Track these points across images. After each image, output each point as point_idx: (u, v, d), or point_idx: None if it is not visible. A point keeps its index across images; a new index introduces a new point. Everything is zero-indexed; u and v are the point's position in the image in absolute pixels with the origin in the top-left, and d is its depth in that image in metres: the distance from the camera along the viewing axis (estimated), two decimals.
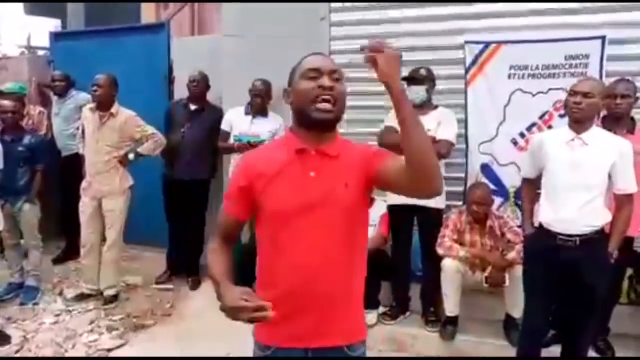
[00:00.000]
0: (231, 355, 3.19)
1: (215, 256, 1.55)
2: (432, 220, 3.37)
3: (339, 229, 1.42)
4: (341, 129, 4.07)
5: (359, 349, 1.51)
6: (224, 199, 1.58)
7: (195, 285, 4.23)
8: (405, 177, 1.33)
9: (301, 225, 1.41)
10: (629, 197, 2.49)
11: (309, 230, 1.41)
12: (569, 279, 2.48)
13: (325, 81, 1.39)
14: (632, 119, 3.00)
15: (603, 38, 3.21)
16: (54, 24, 8.49)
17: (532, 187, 2.75)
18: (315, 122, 1.40)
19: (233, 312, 1.32)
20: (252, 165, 1.49)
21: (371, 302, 3.37)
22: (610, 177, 2.44)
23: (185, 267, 4.34)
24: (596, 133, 2.47)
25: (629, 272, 3.24)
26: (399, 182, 1.38)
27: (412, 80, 3.36)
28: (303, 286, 1.43)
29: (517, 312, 3.11)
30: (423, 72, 3.39)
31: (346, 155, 1.46)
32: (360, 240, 1.49)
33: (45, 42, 5.58)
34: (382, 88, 4.09)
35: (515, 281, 3.03)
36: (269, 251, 1.50)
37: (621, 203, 2.50)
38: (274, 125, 4.01)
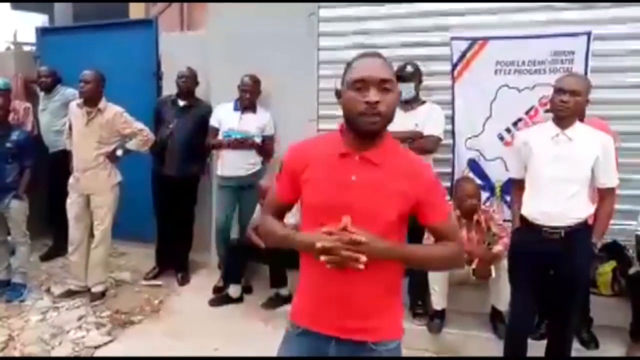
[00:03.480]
0: (219, 351, 3.19)
1: (269, 222, 1.61)
2: None
3: (367, 230, 1.41)
4: (330, 125, 4.13)
5: (384, 347, 1.49)
6: (275, 179, 1.66)
7: (184, 281, 4.22)
8: None
9: (326, 223, 1.42)
10: (611, 190, 2.53)
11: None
12: (554, 270, 2.52)
13: (371, 96, 1.37)
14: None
15: (588, 34, 3.24)
16: (41, 20, 8.40)
17: (522, 187, 2.70)
18: (361, 132, 1.42)
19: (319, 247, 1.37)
20: (302, 152, 1.55)
21: None
22: (592, 171, 2.46)
23: (174, 263, 4.33)
24: (579, 128, 2.50)
25: (612, 264, 3.29)
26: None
27: (399, 77, 3.38)
28: (328, 281, 1.45)
29: (503, 305, 3.15)
30: (410, 68, 3.41)
31: (392, 163, 1.45)
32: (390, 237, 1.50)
33: (32, 37, 5.52)
34: None
35: (500, 274, 3.07)
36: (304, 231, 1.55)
37: (604, 196, 2.55)
38: (262, 121, 4.01)
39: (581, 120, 2.92)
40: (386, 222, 1.43)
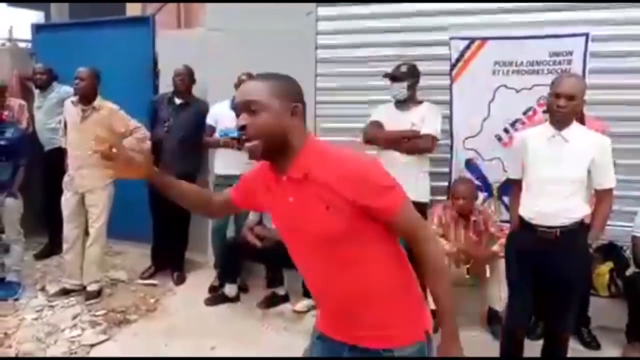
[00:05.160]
0: (215, 350, 3.18)
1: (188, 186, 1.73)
2: None
3: (327, 248, 1.38)
4: (327, 123, 4.11)
5: (396, 352, 1.43)
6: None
7: (180, 280, 4.20)
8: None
9: (293, 246, 1.47)
10: (609, 191, 2.53)
11: (300, 252, 1.46)
12: (549, 270, 2.52)
13: (240, 120, 1.36)
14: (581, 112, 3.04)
15: (586, 35, 3.23)
16: (36, 17, 8.35)
17: (520, 188, 2.67)
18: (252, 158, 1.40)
19: None
20: (256, 180, 1.55)
21: None
22: (589, 172, 2.46)
23: (169, 262, 4.31)
24: (576, 129, 2.49)
25: (609, 265, 3.29)
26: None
27: (392, 77, 3.38)
28: (321, 297, 1.54)
29: (499, 305, 3.15)
30: (404, 68, 3.40)
31: (317, 173, 1.34)
32: (363, 252, 1.39)
33: (28, 34, 5.48)
34: (367, 83, 4.10)
35: (496, 274, 3.07)
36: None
37: (601, 197, 2.53)
38: None
39: (581, 121, 2.93)
40: (339, 233, 1.34)
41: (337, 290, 1.43)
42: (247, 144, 1.34)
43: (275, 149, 1.35)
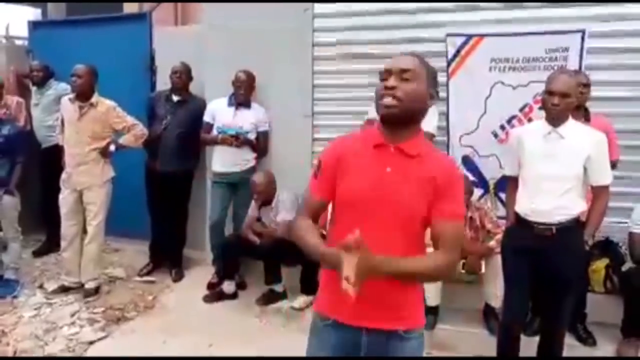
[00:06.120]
0: (213, 347, 3.19)
1: (303, 227, 1.54)
2: None
3: (400, 225, 1.46)
4: (324, 121, 4.12)
5: (414, 334, 1.55)
6: (311, 177, 1.60)
7: (178, 277, 4.21)
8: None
9: (367, 215, 1.45)
10: (605, 188, 2.54)
11: (373, 221, 1.45)
12: (546, 266, 2.53)
13: (390, 81, 1.44)
14: (586, 109, 3.05)
15: (582, 31, 3.24)
16: (33, 13, 8.30)
17: (517, 184, 2.69)
18: (381, 116, 1.48)
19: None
20: (336, 146, 1.57)
21: None
22: (585, 169, 2.46)
23: (167, 259, 4.32)
24: (572, 126, 2.50)
25: (605, 261, 3.31)
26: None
27: None
28: None
29: (495, 301, 3.17)
30: None
31: (427, 159, 1.49)
32: (419, 238, 1.53)
33: (24, 31, 5.46)
34: (367, 80, 4.08)
35: (493, 270, 3.08)
36: (334, 232, 1.55)
37: (597, 194, 2.54)
38: (257, 117, 4.00)
39: (586, 118, 2.94)
40: (419, 215, 1.46)
41: None
42: (390, 101, 1.43)
43: (406, 118, 1.46)
